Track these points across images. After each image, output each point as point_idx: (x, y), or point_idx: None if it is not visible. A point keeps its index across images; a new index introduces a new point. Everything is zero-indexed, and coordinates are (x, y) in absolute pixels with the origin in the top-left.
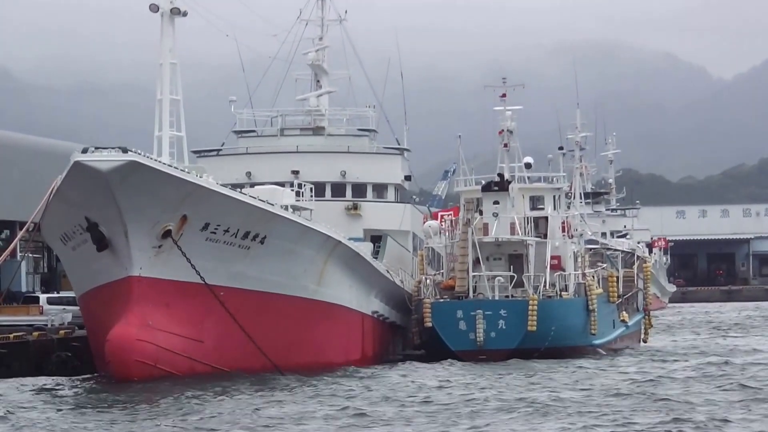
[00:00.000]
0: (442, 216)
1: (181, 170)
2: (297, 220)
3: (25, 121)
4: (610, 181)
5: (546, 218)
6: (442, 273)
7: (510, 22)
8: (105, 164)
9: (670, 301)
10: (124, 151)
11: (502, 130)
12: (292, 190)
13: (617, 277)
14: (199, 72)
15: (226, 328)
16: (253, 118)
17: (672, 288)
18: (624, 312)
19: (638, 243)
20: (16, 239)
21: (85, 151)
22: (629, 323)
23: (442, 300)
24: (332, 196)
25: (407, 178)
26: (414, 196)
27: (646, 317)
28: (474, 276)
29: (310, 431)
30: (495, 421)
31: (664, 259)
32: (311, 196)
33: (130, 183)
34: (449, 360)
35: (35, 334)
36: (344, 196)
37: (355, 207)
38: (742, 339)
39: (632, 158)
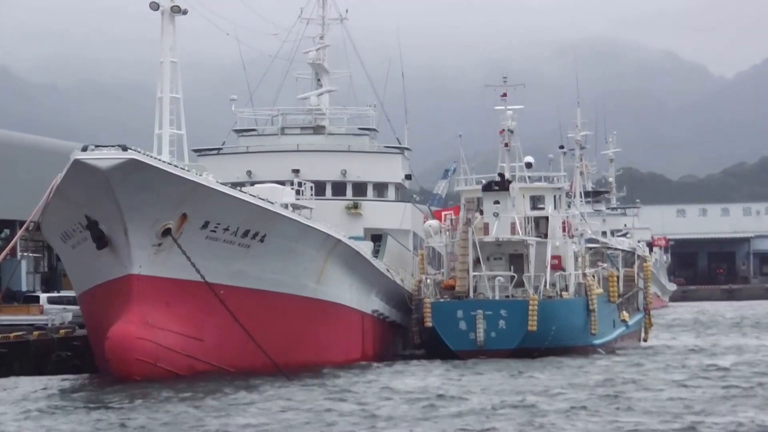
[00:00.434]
0: (445, 216)
1: (181, 168)
2: (297, 219)
3: (25, 121)
4: (611, 179)
5: (546, 218)
6: (443, 272)
7: (511, 21)
8: (105, 162)
9: (671, 300)
10: (124, 149)
11: (503, 130)
12: (293, 189)
13: (618, 277)
14: (199, 72)
15: (226, 327)
16: (254, 117)
17: (672, 287)
18: (624, 311)
19: (638, 242)
20: (15, 238)
21: (85, 149)
22: (629, 323)
23: (442, 300)
24: (333, 195)
25: (408, 177)
26: (414, 195)
27: (647, 316)
28: (474, 276)
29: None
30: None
31: (665, 257)
32: (311, 195)
33: (130, 181)
34: (449, 360)
35: (35, 333)
36: (345, 195)
37: (356, 206)
38: (742, 339)
39: (633, 157)
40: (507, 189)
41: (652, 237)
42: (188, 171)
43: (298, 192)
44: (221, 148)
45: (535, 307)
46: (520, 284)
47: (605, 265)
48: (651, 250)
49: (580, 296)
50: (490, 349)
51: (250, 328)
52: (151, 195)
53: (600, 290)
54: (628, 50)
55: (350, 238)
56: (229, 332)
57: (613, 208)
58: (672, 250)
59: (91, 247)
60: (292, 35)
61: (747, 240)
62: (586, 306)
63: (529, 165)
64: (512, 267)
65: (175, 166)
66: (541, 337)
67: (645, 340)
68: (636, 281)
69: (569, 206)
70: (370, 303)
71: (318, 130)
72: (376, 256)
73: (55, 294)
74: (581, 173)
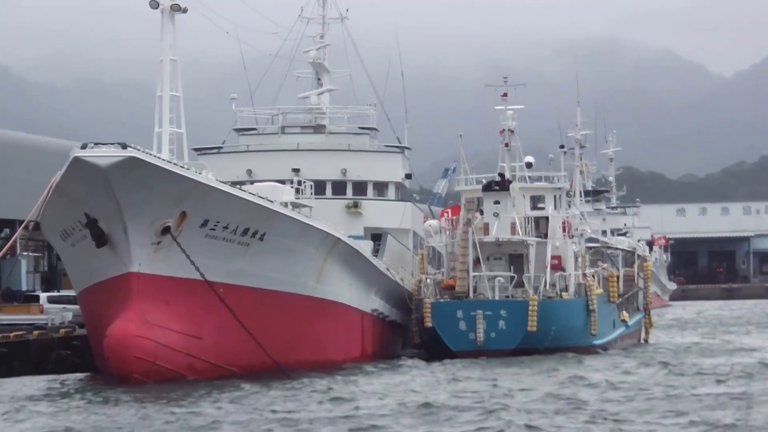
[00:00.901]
0: (442, 212)
1: (181, 167)
2: (296, 217)
3: (25, 120)
4: (611, 179)
5: (547, 218)
6: (443, 272)
7: (511, 20)
8: (104, 160)
9: (671, 299)
10: (124, 146)
11: (503, 130)
12: (292, 187)
13: (618, 277)
14: (200, 71)
15: (225, 325)
16: (254, 116)
17: (672, 286)
18: (624, 311)
19: (638, 241)
20: (14, 236)
21: (84, 146)
22: (629, 323)
23: (442, 300)
24: (333, 194)
25: (408, 176)
26: (414, 195)
27: (647, 316)
28: (474, 276)
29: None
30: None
31: (665, 257)
32: (311, 194)
33: (130, 179)
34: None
35: (35, 333)
36: (345, 194)
37: (356, 205)
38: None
39: (632, 156)
40: (507, 189)
41: (652, 236)
42: (188, 169)
43: (297, 191)
44: (221, 147)
45: (535, 308)
46: (520, 284)
47: (605, 265)
48: (651, 250)
49: (580, 296)
50: (490, 349)
51: (250, 326)
52: (150, 193)
53: (600, 290)
54: (628, 50)
55: (350, 237)
56: (229, 331)
57: (613, 208)
58: (672, 250)
59: (90, 245)
60: (292, 34)
61: (747, 239)
62: (586, 306)
63: (529, 165)
64: (512, 267)
65: (175, 164)
66: (540, 337)
67: (646, 340)
68: (636, 281)
69: (569, 206)
70: (369, 302)
71: (318, 129)
72: (376, 255)
73: (55, 293)
74: (581, 172)
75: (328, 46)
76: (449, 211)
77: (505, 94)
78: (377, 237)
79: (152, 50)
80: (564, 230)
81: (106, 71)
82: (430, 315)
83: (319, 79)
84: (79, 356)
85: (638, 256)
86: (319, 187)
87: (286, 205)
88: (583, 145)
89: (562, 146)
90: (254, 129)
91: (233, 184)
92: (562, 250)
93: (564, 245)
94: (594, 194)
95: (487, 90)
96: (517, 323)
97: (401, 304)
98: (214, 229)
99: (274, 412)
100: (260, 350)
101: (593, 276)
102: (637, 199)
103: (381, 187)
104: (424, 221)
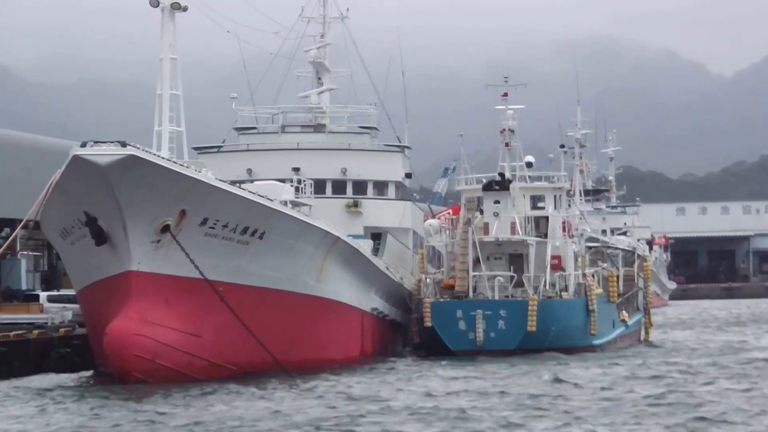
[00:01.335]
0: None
1: (180, 165)
2: (296, 216)
3: (25, 120)
4: (611, 178)
5: (546, 218)
6: (443, 272)
7: (511, 20)
8: (104, 158)
9: (671, 299)
10: (123, 145)
11: (504, 129)
12: (292, 186)
13: (617, 277)
14: (200, 71)
15: (224, 324)
16: (255, 115)
17: (672, 285)
18: (624, 311)
19: (638, 240)
20: (13, 235)
21: (84, 145)
22: (629, 323)
23: (442, 299)
24: (333, 194)
25: (408, 175)
26: (414, 194)
27: (647, 316)
28: (474, 276)
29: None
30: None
31: (665, 256)
32: (311, 192)
33: (129, 177)
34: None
35: (35, 332)
36: (345, 193)
37: (356, 204)
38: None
39: (632, 155)
40: (507, 188)
41: (652, 235)
42: (187, 167)
43: (297, 190)
44: (221, 146)
45: (535, 308)
46: (519, 284)
47: (605, 264)
48: (651, 249)
49: (579, 296)
50: (490, 349)
51: (250, 325)
52: (150, 191)
53: (600, 290)
54: (628, 49)
55: (350, 236)
56: (228, 329)
57: (613, 207)
58: (672, 249)
59: (90, 243)
60: (293, 33)
61: (747, 238)
62: (585, 306)
63: (529, 164)
64: (512, 267)
65: (174, 162)
66: (540, 337)
67: (646, 340)
68: (636, 281)
69: (569, 205)
70: (369, 301)
71: (318, 128)
72: (376, 255)
73: (55, 293)
74: (581, 172)
75: (328, 46)
76: (450, 211)
77: (506, 94)
78: (377, 236)
79: (153, 50)
80: (564, 230)
81: (106, 71)
82: (430, 314)
83: (319, 79)
84: (79, 355)
85: (638, 255)
86: (319, 187)
87: (285, 203)
88: (583, 144)
89: (562, 146)
90: (254, 128)
91: (233, 183)
92: (562, 250)
93: (564, 245)
94: (594, 194)
95: (488, 90)
96: (516, 323)
97: (401, 304)
98: (213, 228)
99: (276, 412)
100: (260, 349)
101: (593, 276)
102: (637, 199)
103: (381, 187)
104: (425, 220)
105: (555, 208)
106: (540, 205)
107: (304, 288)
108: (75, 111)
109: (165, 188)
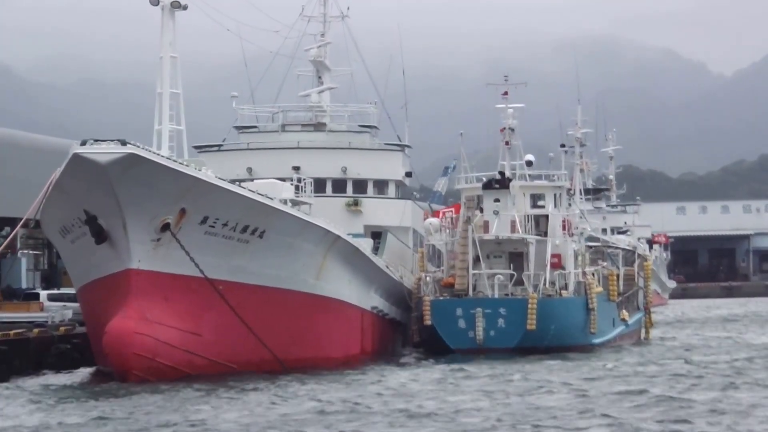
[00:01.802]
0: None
1: (180, 163)
2: (296, 214)
3: (26, 119)
4: (611, 177)
5: (547, 216)
6: (443, 270)
7: (511, 20)
8: (104, 156)
9: (671, 297)
10: (123, 143)
11: (504, 128)
12: (292, 185)
13: (617, 276)
14: (200, 71)
15: (224, 322)
16: (255, 114)
17: (672, 284)
18: (624, 310)
19: (639, 239)
20: (13, 233)
21: (84, 143)
22: (629, 322)
23: (441, 298)
24: (333, 192)
25: (408, 174)
26: (414, 193)
27: (647, 315)
28: (474, 274)
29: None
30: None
31: (665, 255)
32: (311, 191)
33: (129, 175)
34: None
35: (35, 331)
36: (345, 192)
37: (356, 203)
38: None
39: (632, 155)
40: (507, 187)
41: (652, 234)
42: (187, 166)
43: (297, 188)
44: (222, 145)
45: (535, 306)
46: (519, 282)
47: (605, 263)
48: (651, 248)
49: (579, 295)
50: (490, 347)
51: (250, 323)
52: (150, 189)
53: (600, 289)
54: (628, 48)
55: (350, 235)
56: (228, 327)
57: (613, 206)
58: (672, 248)
59: (90, 241)
60: (293, 32)
61: (747, 237)
62: (585, 305)
63: (529, 163)
64: (512, 265)
65: (174, 160)
66: (540, 335)
67: (646, 339)
68: (636, 280)
69: (569, 204)
70: (369, 300)
71: (319, 127)
72: (376, 253)
73: (55, 291)
74: (581, 171)
75: (328, 45)
76: (452, 210)
77: (506, 93)
78: (377, 235)
79: (152, 50)
80: (564, 228)
81: (106, 71)
82: (430, 313)
83: (319, 77)
84: (79, 352)
85: (638, 254)
86: (320, 185)
87: (285, 202)
88: (583, 143)
89: (562, 145)
90: (255, 127)
91: (233, 181)
92: (562, 249)
93: (564, 243)
94: (594, 192)
95: (488, 88)
96: (516, 321)
97: (401, 302)
98: (213, 226)
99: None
100: (260, 347)
101: (593, 274)
102: (638, 198)
103: (381, 185)
104: (425, 219)
105: (555, 206)
106: (540, 203)
107: (304, 286)
108: (75, 111)
109: (165, 187)
